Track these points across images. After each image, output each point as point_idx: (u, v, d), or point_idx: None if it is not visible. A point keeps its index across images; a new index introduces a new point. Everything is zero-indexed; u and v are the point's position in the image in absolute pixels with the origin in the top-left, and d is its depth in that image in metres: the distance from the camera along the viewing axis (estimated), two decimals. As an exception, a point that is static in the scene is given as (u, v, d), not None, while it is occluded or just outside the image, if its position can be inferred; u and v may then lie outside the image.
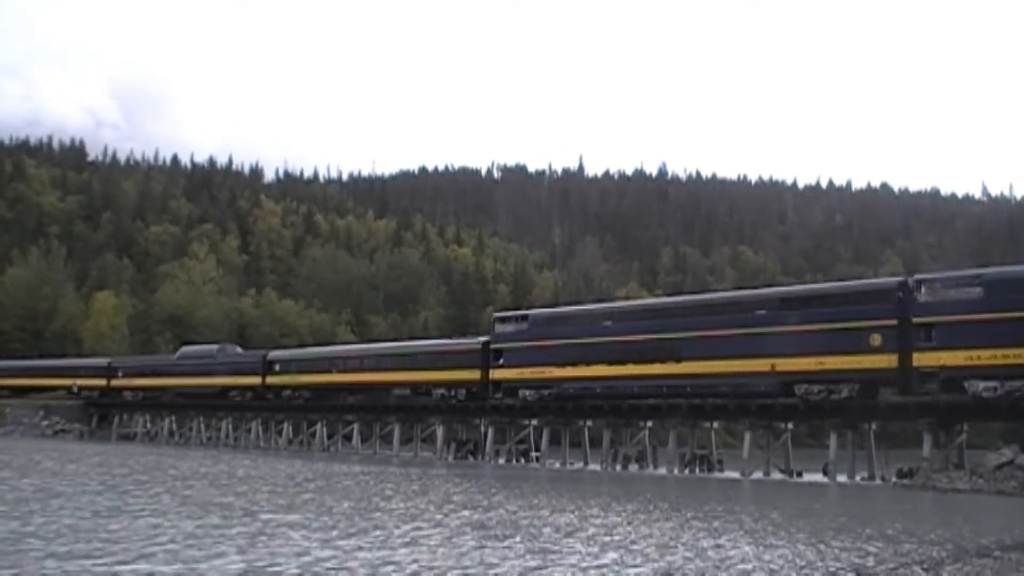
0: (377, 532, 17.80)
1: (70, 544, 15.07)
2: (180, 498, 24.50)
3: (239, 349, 77.41)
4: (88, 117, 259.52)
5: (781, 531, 20.09)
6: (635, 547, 16.79)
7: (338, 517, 20.40)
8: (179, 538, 16.07)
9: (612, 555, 15.54)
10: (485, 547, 16.11)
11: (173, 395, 75.16)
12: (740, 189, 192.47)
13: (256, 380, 67.58)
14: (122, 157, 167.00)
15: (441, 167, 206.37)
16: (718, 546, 17.21)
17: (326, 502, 24.15)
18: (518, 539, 17.31)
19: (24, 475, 31.46)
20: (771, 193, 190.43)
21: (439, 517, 21.00)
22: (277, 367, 67.05)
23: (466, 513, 21.99)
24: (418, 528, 18.71)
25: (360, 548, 15.53)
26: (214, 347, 76.01)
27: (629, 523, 20.91)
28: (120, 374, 79.08)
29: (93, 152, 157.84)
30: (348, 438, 61.30)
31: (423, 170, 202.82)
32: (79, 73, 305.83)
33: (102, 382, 79.20)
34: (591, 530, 19.18)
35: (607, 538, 17.89)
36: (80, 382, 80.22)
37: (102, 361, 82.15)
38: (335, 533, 17.39)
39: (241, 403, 69.53)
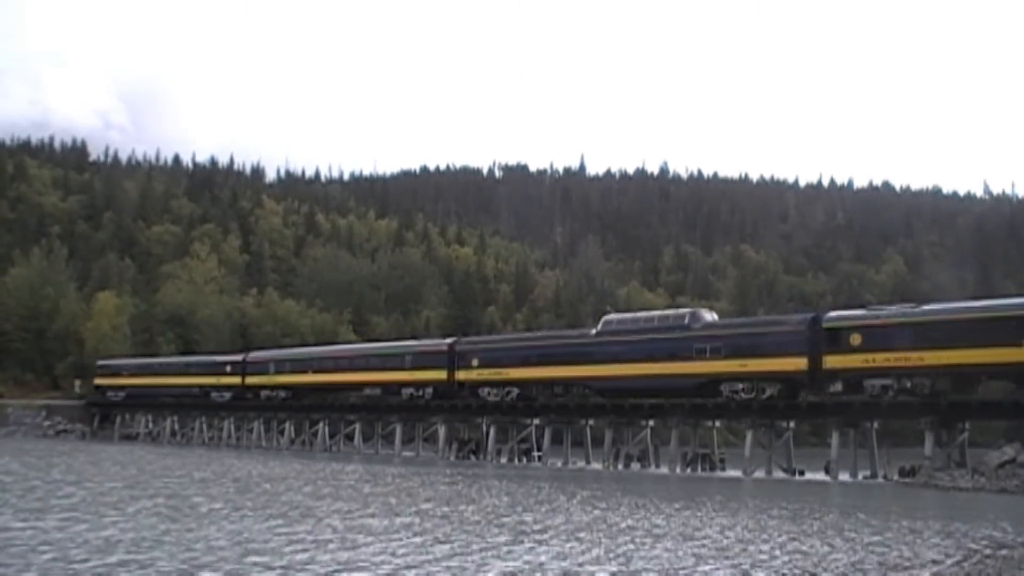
0: (467, 537, 17.92)
1: (169, 551, 15.18)
2: (248, 499, 24.69)
3: (713, 315, 48.20)
4: (96, 119, 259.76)
5: (838, 528, 20.71)
6: (726, 546, 17.17)
7: (411, 518, 20.75)
8: (271, 542, 16.30)
9: (722, 563, 15.59)
10: (575, 548, 16.48)
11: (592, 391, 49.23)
12: (741, 188, 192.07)
13: (797, 363, 40.44)
14: (124, 157, 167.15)
15: (442, 166, 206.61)
16: (795, 541, 17.76)
17: (419, 506, 24.43)
18: (593, 542, 17.47)
19: (79, 479, 31.45)
20: (772, 192, 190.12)
21: (508, 520, 21.21)
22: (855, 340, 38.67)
23: (528, 517, 21.96)
24: (499, 530, 18.89)
25: (455, 554, 15.76)
26: (684, 312, 47.27)
27: (686, 523, 21.15)
28: (474, 362, 53.40)
29: (95, 152, 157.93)
30: (350, 437, 61.21)
31: (424, 169, 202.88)
32: (86, 75, 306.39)
33: (442, 375, 55.11)
34: (675, 532, 19.40)
35: (696, 541, 18.05)
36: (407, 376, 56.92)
37: (441, 344, 58.33)
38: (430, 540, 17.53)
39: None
